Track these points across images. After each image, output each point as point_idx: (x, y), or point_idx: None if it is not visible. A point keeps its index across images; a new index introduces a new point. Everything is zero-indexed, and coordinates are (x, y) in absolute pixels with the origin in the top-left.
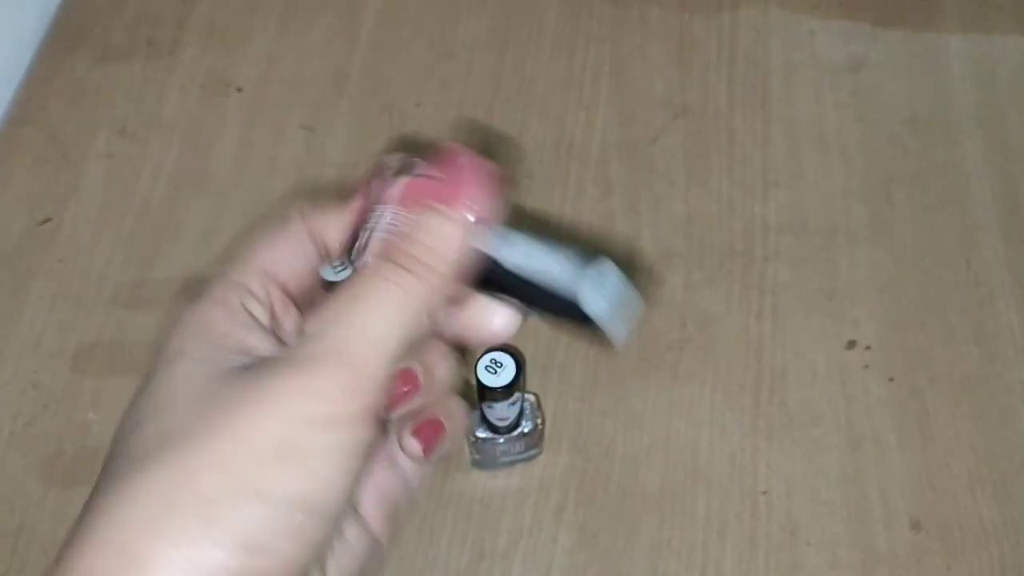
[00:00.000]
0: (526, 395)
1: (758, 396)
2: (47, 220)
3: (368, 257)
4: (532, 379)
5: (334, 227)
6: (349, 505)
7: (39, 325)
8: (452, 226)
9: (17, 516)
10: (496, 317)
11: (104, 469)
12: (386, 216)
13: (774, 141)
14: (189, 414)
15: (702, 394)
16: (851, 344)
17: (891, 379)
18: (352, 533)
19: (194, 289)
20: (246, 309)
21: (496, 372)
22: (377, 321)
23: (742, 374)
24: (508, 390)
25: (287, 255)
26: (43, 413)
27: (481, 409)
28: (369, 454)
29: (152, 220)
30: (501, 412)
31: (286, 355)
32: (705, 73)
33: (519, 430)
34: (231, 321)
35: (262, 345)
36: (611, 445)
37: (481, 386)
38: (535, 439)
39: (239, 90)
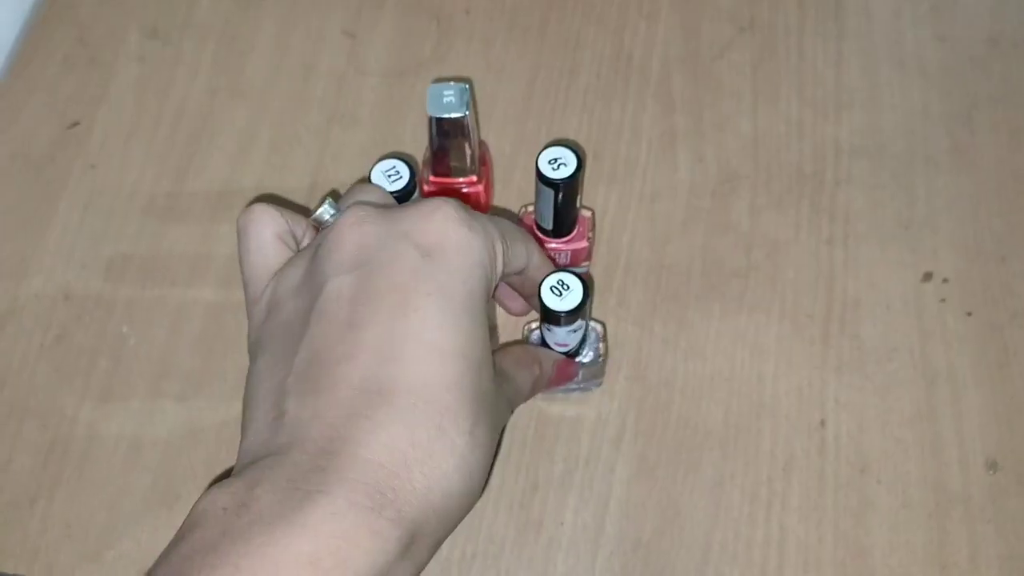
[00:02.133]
0: (593, 323)
1: (828, 327)
2: (76, 124)
3: None
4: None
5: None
6: None
7: (70, 233)
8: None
9: (50, 431)
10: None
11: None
12: None
13: (847, 59)
14: (494, 383)
15: (768, 324)
16: (927, 276)
17: (969, 313)
18: None
19: None
20: (492, 284)
21: (561, 295)
22: (523, 394)
23: (811, 304)
24: (572, 315)
25: (514, 260)
26: (76, 325)
27: (541, 331)
28: None
29: (186, 127)
30: (561, 338)
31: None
32: None
33: (579, 359)
34: (490, 294)
35: None
36: (671, 375)
37: (544, 308)
38: (596, 370)
39: None
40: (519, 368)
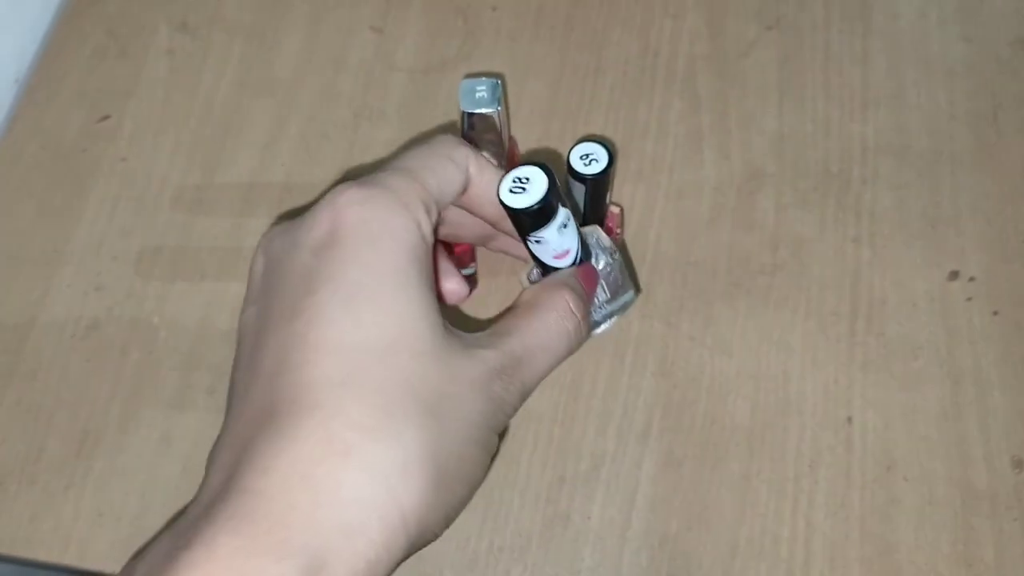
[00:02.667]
0: (588, 229)
1: (854, 325)
2: (106, 117)
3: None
4: None
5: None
6: None
7: (101, 226)
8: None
9: (81, 421)
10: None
11: (340, 383)
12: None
13: (874, 58)
14: (434, 374)
15: (794, 321)
16: (954, 275)
17: (995, 312)
18: None
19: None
20: (427, 241)
21: (525, 190)
22: (553, 361)
23: (837, 302)
24: (543, 211)
25: (447, 190)
26: (107, 317)
27: (531, 253)
28: None
29: (215, 121)
30: (556, 242)
31: (492, 360)
32: None
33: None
34: (428, 257)
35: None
36: (698, 371)
37: (512, 216)
38: (617, 277)
39: None
40: (546, 310)
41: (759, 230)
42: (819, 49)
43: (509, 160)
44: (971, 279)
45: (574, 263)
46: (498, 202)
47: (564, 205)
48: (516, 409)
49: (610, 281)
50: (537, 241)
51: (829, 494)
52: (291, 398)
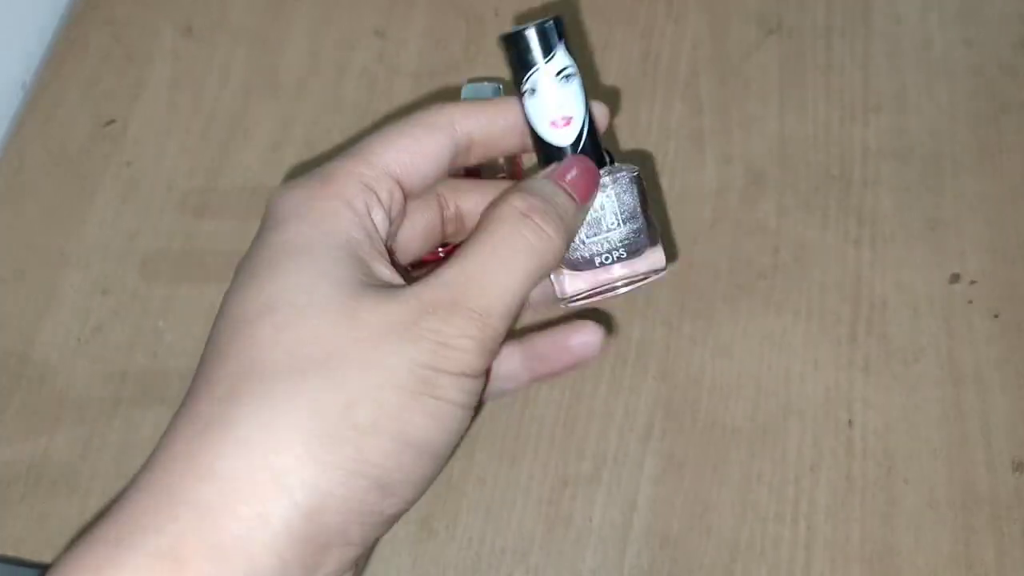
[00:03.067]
0: (620, 165)
1: (855, 328)
2: (112, 121)
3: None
4: (615, 302)
5: (485, 126)
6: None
7: (107, 229)
8: (578, 209)
9: (88, 423)
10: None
11: (220, 354)
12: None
13: (875, 61)
14: (330, 330)
15: (796, 324)
16: (955, 277)
17: (996, 315)
18: None
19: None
20: (371, 217)
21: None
22: (511, 280)
23: (838, 304)
24: (541, 35)
25: (419, 160)
26: (113, 319)
27: (533, 135)
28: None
29: (219, 125)
30: (551, 101)
31: (425, 295)
32: None
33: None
34: (361, 229)
35: (381, 265)
36: (699, 374)
37: (507, 50)
38: (633, 206)
39: None
40: (495, 223)
41: (760, 233)
42: (820, 52)
43: (514, 162)
44: (972, 282)
45: (577, 144)
46: (518, 133)
47: (570, 56)
48: (481, 344)
49: (624, 205)
50: (532, 92)
51: (830, 496)
52: (194, 382)
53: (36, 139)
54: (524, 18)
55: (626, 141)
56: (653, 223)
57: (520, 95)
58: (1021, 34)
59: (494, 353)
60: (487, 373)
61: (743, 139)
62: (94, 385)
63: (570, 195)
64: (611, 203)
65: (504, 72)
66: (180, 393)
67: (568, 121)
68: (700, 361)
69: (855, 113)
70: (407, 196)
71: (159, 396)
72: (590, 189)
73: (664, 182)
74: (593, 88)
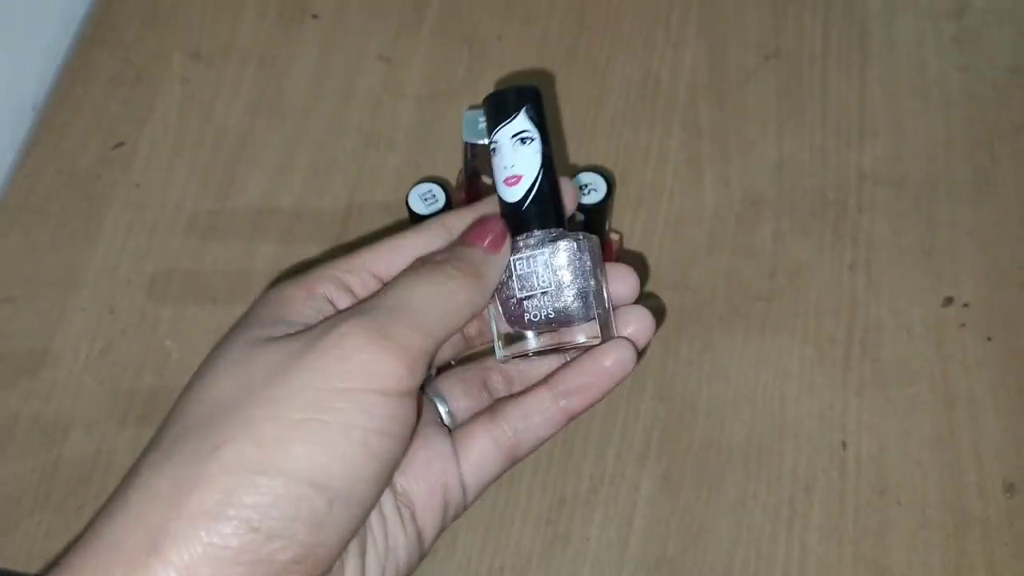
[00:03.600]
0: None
1: (850, 351)
2: (120, 144)
3: None
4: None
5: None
6: (390, 496)
7: (115, 250)
8: (488, 255)
9: (94, 442)
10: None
11: (152, 438)
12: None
13: (871, 87)
14: (226, 381)
15: (791, 347)
16: (948, 301)
17: (989, 339)
18: (394, 524)
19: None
20: (328, 299)
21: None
22: (423, 303)
23: (833, 327)
24: (499, 100)
25: (403, 256)
26: (120, 339)
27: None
28: (402, 440)
29: (227, 148)
30: (506, 158)
31: (328, 322)
32: (800, 13)
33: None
34: (307, 303)
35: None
36: (695, 395)
37: (486, 111)
38: (545, 278)
39: (315, 17)
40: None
41: (757, 256)
42: (817, 78)
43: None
44: (965, 305)
45: (523, 202)
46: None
47: (537, 125)
48: (390, 356)
49: (556, 271)
50: (494, 149)
51: (824, 517)
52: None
53: (47, 160)
54: (516, 78)
55: (626, 165)
56: (595, 296)
57: (490, 150)
58: (1015, 61)
59: (414, 373)
60: (415, 405)
61: (741, 163)
62: (102, 403)
63: (476, 246)
64: (543, 267)
65: None
66: None
67: (518, 180)
68: (696, 383)
69: (851, 138)
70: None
71: (164, 415)
72: (498, 242)
73: (662, 205)
74: (593, 114)
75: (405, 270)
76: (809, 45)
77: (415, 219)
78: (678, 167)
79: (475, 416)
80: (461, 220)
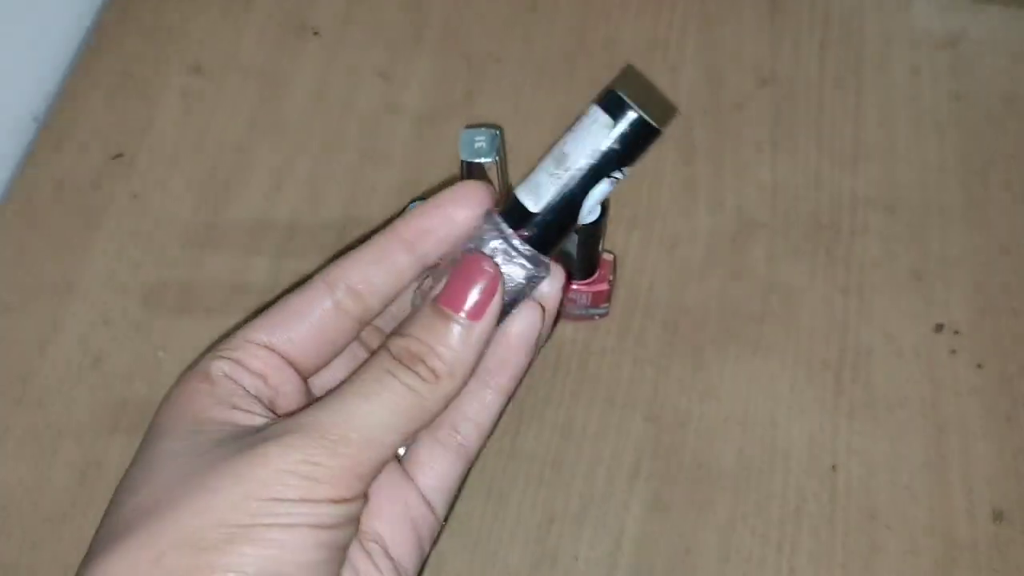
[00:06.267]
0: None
1: (841, 374)
2: (119, 155)
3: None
4: (606, 344)
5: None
6: (355, 541)
7: (110, 260)
8: (469, 335)
9: (86, 450)
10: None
11: (88, 548)
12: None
13: (866, 113)
14: (163, 488)
15: (783, 369)
16: (939, 327)
17: (980, 366)
18: (365, 566)
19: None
20: (232, 379)
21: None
22: (374, 416)
23: (825, 351)
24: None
25: (301, 328)
26: (113, 348)
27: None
28: (355, 520)
29: (225, 161)
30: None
31: (268, 430)
32: (797, 39)
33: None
34: (212, 394)
35: (249, 417)
36: (686, 416)
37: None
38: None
39: (316, 34)
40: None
41: (750, 279)
42: (812, 103)
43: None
44: (956, 332)
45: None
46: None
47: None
48: (334, 470)
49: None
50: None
51: (813, 540)
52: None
53: (46, 170)
54: (516, 97)
55: (619, 185)
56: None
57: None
58: (1009, 89)
59: (364, 481)
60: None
61: (736, 186)
62: (93, 413)
63: (452, 319)
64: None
65: (504, 114)
66: None
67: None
68: (687, 403)
69: (845, 163)
70: (293, 351)
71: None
72: (483, 304)
73: (656, 227)
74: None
75: (360, 369)
76: (805, 70)
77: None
78: (673, 189)
79: None
80: (413, 228)
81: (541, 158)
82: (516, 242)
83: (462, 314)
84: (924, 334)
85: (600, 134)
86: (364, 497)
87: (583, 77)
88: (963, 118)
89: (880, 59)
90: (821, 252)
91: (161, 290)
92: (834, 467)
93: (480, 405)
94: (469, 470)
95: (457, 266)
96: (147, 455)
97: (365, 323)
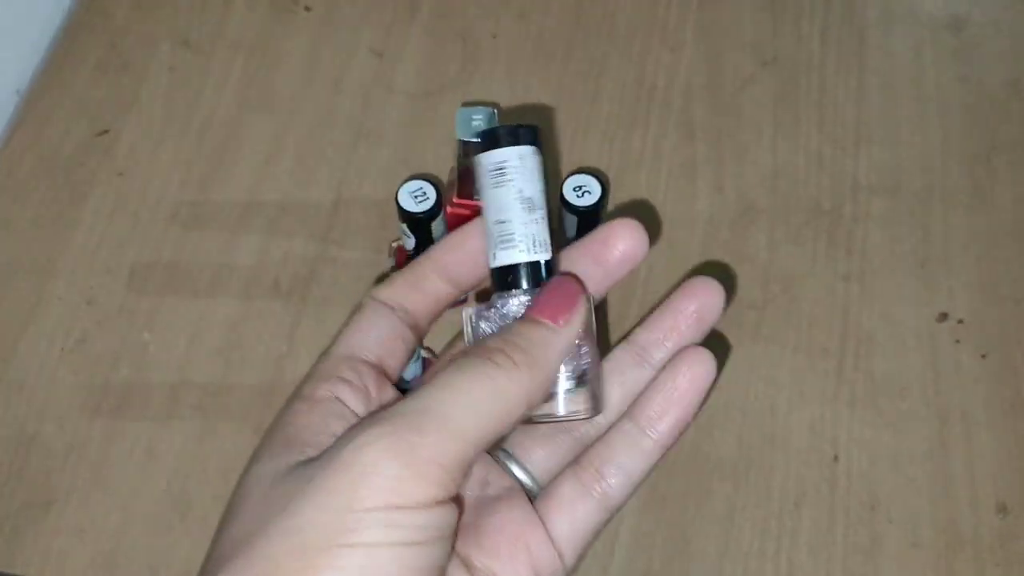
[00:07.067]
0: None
1: (842, 362)
2: (105, 131)
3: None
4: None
5: (419, 299)
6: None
7: (95, 239)
8: (551, 332)
9: (67, 434)
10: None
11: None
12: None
13: (868, 96)
14: (252, 515)
15: (783, 356)
16: (943, 316)
17: (983, 355)
18: None
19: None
20: (338, 399)
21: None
22: (450, 403)
23: (826, 338)
24: (490, 136)
25: (374, 336)
26: (97, 330)
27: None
28: (441, 542)
29: (213, 138)
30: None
31: (347, 435)
32: (798, 19)
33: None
34: (311, 413)
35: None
36: None
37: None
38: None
39: (307, 9)
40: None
41: (750, 264)
42: (814, 85)
43: None
44: (960, 321)
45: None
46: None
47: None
48: (418, 472)
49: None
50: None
51: (813, 533)
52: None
53: (29, 146)
54: (510, 76)
55: (618, 168)
56: (584, 364)
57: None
58: (1013, 74)
59: (445, 486)
60: (456, 505)
61: (736, 169)
62: (75, 396)
63: (541, 324)
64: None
65: (499, 93)
66: (162, 407)
67: (509, 226)
68: None
69: (847, 147)
70: (382, 361)
71: (141, 409)
72: (571, 313)
73: (656, 209)
74: (587, 115)
75: (451, 364)
76: (807, 52)
77: (404, 216)
78: (672, 171)
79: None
80: (455, 253)
81: (496, 221)
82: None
83: (546, 319)
84: (927, 322)
85: (532, 161)
86: (455, 507)
87: (579, 56)
88: (967, 102)
89: (883, 41)
90: (822, 237)
91: (147, 270)
92: (836, 457)
93: (635, 452)
94: (607, 523)
95: (544, 286)
96: (242, 481)
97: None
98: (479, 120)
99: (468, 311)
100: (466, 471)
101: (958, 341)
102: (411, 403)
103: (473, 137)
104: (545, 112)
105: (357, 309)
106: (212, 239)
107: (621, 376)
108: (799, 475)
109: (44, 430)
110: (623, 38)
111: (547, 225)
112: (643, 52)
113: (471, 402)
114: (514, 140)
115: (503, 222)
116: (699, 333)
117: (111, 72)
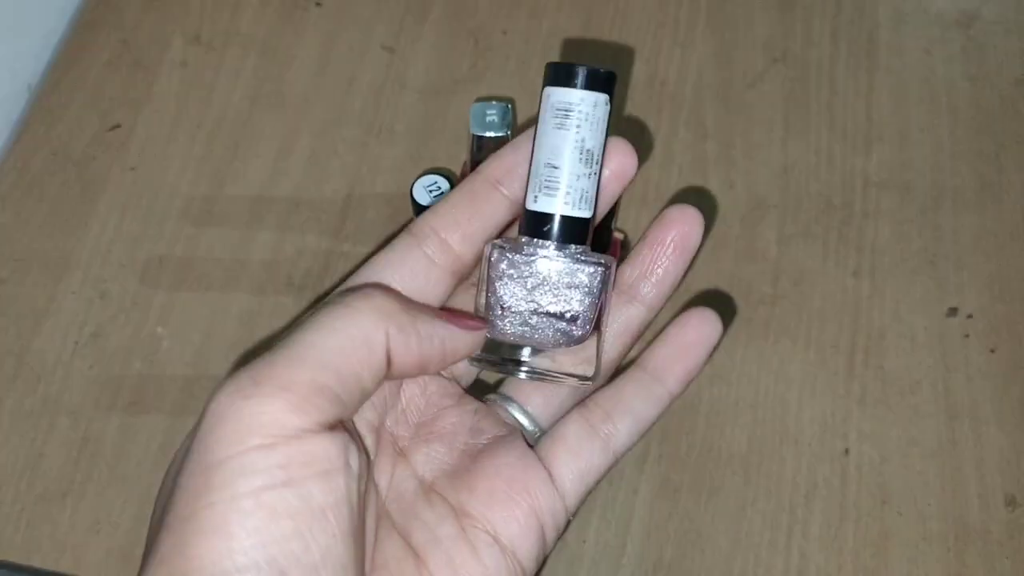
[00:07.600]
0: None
1: (853, 358)
2: (116, 126)
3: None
4: None
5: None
6: (454, 522)
7: (108, 234)
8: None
9: (82, 428)
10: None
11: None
12: None
13: (878, 94)
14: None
15: (794, 352)
16: (952, 311)
17: (993, 350)
18: (463, 557)
19: None
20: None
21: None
22: (325, 336)
23: (836, 334)
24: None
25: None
26: (110, 324)
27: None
28: (323, 476)
29: (225, 134)
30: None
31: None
32: (809, 18)
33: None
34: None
35: None
36: (696, 399)
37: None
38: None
39: (319, 5)
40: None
41: (761, 260)
42: (825, 83)
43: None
44: (969, 316)
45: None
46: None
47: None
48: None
49: (534, 287)
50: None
51: (823, 526)
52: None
53: (41, 142)
54: (519, 73)
55: None
56: (594, 322)
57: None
58: (1022, 71)
59: (304, 411)
60: (337, 437)
61: (746, 166)
62: (90, 390)
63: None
64: (553, 285)
65: (511, 90)
66: (177, 400)
67: (557, 167)
68: (697, 386)
69: (857, 144)
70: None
71: (155, 403)
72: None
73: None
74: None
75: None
76: (817, 49)
77: (419, 211)
78: (683, 168)
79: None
80: (452, 230)
81: (548, 164)
82: (580, 255)
83: (458, 327)
84: (937, 318)
85: (603, 111)
86: (336, 437)
87: (591, 50)
88: (976, 100)
89: (893, 39)
90: (833, 234)
91: (159, 265)
92: (846, 451)
93: (646, 396)
94: (609, 469)
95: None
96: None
97: (460, 276)
98: (493, 115)
99: (492, 245)
100: (331, 399)
101: (967, 336)
102: (276, 345)
103: (487, 132)
104: None
105: (390, 244)
106: (225, 234)
107: (614, 314)
108: (810, 469)
109: (59, 423)
110: (634, 35)
111: (597, 182)
112: (654, 49)
113: (324, 331)
114: (591, 84)
115: (555, 167)
116: (682, 261)
117: (123, 68)
